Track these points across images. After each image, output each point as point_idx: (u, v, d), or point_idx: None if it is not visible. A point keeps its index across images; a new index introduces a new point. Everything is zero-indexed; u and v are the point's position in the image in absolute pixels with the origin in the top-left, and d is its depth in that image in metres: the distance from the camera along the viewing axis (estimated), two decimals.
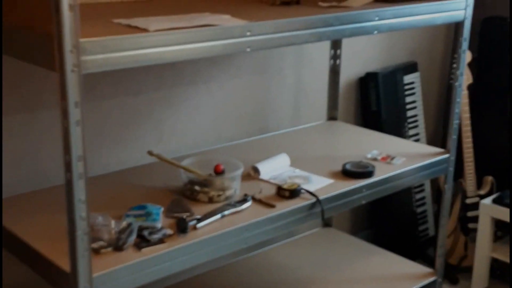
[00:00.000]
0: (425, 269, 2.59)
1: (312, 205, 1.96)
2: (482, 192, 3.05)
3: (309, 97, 2.83)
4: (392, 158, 2.30)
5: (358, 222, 3.26)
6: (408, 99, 3.19)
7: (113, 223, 1.65)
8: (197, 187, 1.92)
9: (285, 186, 1.98)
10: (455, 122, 2.36)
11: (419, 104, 3.25)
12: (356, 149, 2.40)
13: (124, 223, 1.66)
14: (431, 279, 2.51)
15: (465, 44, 2.28)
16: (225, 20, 1.67)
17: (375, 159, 2.30)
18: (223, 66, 2.51)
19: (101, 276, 1.51)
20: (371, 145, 2.46)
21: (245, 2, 2.08)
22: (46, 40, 1.35)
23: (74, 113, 1.37)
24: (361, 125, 3.06)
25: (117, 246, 1.61)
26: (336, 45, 2.68)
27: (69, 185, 1.42)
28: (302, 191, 1.98)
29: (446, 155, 2.38)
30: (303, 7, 2.01)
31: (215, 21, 1.63)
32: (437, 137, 3.52)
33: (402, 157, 2.32)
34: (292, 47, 2.70)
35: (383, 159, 2.30)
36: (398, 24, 2.01)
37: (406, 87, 3.18)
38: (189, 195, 1.94)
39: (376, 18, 1.94)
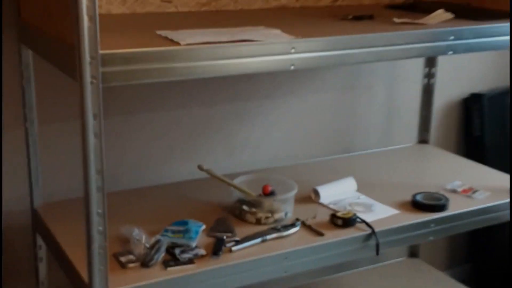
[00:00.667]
0: None
1: (367, 237, 1.80)
2: None
3: (402, 117, 2.65)
4: (475, 192, 2.07)
5: (456, 255, 3.00)
6: None
7: (144, 238, 1.63)
8: (245, 207, 1.85)
9: (339, 214, 1.85)
10: None
11: None
12: (438, 178, 2.19)
13: (153, 239, 1.62)
14: None
15: None
16: (271, 36, 1.58)
17: (454, 191, 2.08)
18: (305, 80, 2.41)
19: None
20: (458, 174, 2.24)
21: (317, 17, 1.97)
22: (70, 50, 1.35)
23: (92, 125, 1.36)
24: (462, 152, 2.82)
25: (144, 262, 1.58)
26: (430, 63, 2.48)
27: (87, 198, 1.41)
28: (358, 220, 1.84)
29: None
30: (375, 22, 1.87)
31: (258, 36, 1.55)
32: None
33: (487, 191, 2.08)
34: (384, 63, 2.54)
35: (464, 191, 2.08)
36: (478, 45, 1.80)
37: None
38: (237, 214, 1.87)
39: (452, 38, 1.75)
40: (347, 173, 2.14)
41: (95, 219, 1.42)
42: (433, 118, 2.62)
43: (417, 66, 2.56)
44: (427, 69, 2.50)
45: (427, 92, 2.52)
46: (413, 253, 2.72)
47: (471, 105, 2.76)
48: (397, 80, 2.60)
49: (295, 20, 1.90)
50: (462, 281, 2.65)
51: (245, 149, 2.36)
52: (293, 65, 1.56)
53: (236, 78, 2.26)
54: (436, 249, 2.92)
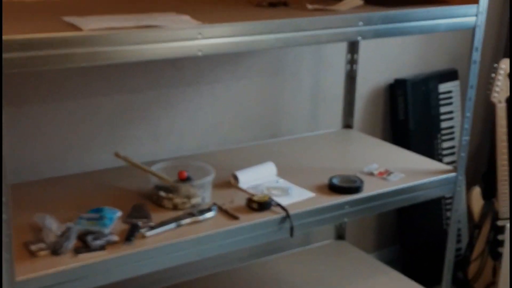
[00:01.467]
0: None
1: (281, 220, 1.84)
2: None
3: (327, 103, 2.69)
4: (390, 174, 2.13)
5: (383, 238, 3.08)
6: (443, 109, 2.96)
7: (55, 225, 1.62)
8: (162, 193, 1.86)
9: (255, 198, 1.87)
10: (464, 139, 2.15)
11: (457, 115, 3.01)
12: (357, 162, 2.24)
13: (63, 227, 1.62)
14: None
15: (476, 55, 2.07)
16: (178, 21, 1.59)
17: (371, 174, 2.14)
18: (230, 66, 2.43)
19: (26, 280, 1.48)
20: (377, 158, 2.30)
21: (232, 3, 1.99)
22: None
23: None
24: (388, 136, 2.89)
25: (54, 250, 1.58)
26: (352, 49, 2.52)
27: None
28: (274, 203, 1.87)
29: (453, 174, 2.17)
30: (289, 9, 1.89)
31: (164, 22, 1.55)
32: (482, 152, 3.26)
33: (403, 173, 2.15)
34: (309, 50, 2.57)
35: (380, 174, 2.13)
36: (388, 31, 1.84)
37: (442, 96, 2.95)
38: (155, 200, 1.88)
39: (361, 24, 1.79)
40: (269, 159, 2.17)
41: None
42: (358, 103, 2.67)
43: (342, 52, 2.61)
44: (349, 56, 2.54)
45: (350, 78, 2.57)
46: (339, 235, 2.77)
47: (396, 91, 2.83)
48: (322, 66, 2.64)
49: (209, 6, 1.90)
50: (389, 262, 2.73)
51: (170, 137, 2.36)
52: (200, 51, 1.57)
53: (158, 65, 2.26)
54: (363, 231, 2.99)
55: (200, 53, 1.57)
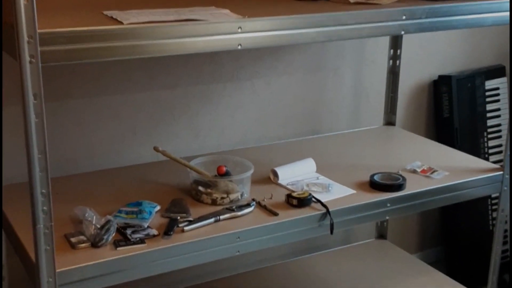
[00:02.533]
0: None
1: (321, 217, 1.81)
2: None
3: (369, 99, 2.65)
4: (433, 172, 2.08)
5: (426, 238, 3.02)
6: (489, 107, 2.88)
7: (95, 218, 1.63)
8: (201, 188, 1.86)
9: (294, 194, 1.85)
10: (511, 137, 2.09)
11: (504, 112, 2.93)
12: (399, 159, 2.20)
13: (103, 220, 1.63)
14: None
15: None
16: (218, 15, 1.58)
17: (414, 171, 2.09)
18: (270, 62, 2.41)
19: (66, 271, 1.50)
20: (420, 155, 2.24)
21: None
22: (10, 30, 1.35)
23: (33, 105, 1.36)
24: (432, 134, 2.83)
25: (94, 242, 1.59)
26: (395, 44, 2.48)
27: (30, 179, 1.41)
28: (314, 200, 1.85)
29: (499, 173, 2.11)
30: (330, 3, 1.86)
31: (204, 16, 1.55)
32: None
33: (447, 171, 2.09)
34: (351, 45, 2.54)
35: (423, 172, 2.08)
36: (431, 24, 1.80)
37: (488, 93, 2.88)
38: (194, 195, 1.88)
39: (404, 17, 1.75)
40: (309, 155, 2.15)
41: (39, 199, 1.42)
42: (400, 100, 2.62)
43: (384, 47, 2.56)
44: (392, 51, 2.50)
45: (393, 74, 2.52)
46: (381, 235, 2.73)
47: (440, 87, 2.76)
48: (364, 62, 2.60)
49: (250, 0, 1.89)
50: (433, 263, 2.67)
51: (210, 132, 2.36)
52: (240, 44, 1.56)
53: (198, 60, 2.26)
54: (405, 231, 2.93)
55: (239, 47, 1.56)
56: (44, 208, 1.43)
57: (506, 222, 2.96)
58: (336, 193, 1.93)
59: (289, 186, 1.96)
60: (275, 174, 2.01)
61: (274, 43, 1.61)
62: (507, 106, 2.92)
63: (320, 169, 2.08)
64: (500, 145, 2.92)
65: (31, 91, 1.35)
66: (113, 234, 1.62)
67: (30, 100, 1.36)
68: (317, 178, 2.03)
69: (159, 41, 1.46)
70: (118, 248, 1.59)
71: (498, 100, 2.91)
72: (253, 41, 1.57)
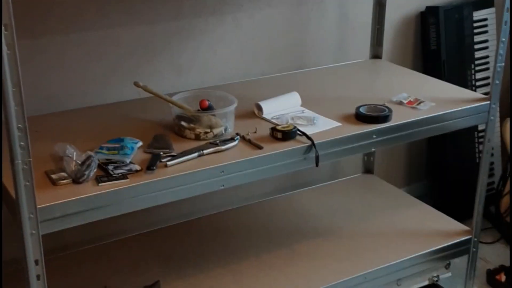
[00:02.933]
0: (462, 227, 2.34)
1: (307, 149, 1.79)
2: None
3: (355, 32, 2.60)
4: (420, 103, 2.05)
5: (412, 172, 3.02)
6: (478, 38, 2.84)
7: (75, 154, 1.60)
8: (184, 123, 1.82)
9: (279, 127, 1.83)
10: (498, 65, 2.05)
11: (492, 44, 2.88)
12: (386, 92, 2.16)
13: (84, 156, 1.60)
14: (465, 238, 2.27)
15: None
16: None
17: (400, 103, 2.06)
18: None
19: (47, 207, 1.48)
20: (407, 87, 2.21)
21: None
22: None
23: (4, 36, 1.30)
24: (419, 66, 2.79)
25: (75, 178, 1.56)
26: None
27: (6, 113, 1.37)
28: (298, 133, 1.82)
29: (486, 103, 2.09)
30: None
31: None
32: None
33: (433, 102, 2.07)
34: None
35: (410, 103, 2.06)
36: None
37: (476, 24, 2.82)
38: (176, 131, 1.85)
39: None
40: (294, 89, 2.11)
41: (16, 134, 1.39)
42: (387, 32, 2.57)
43: None
44: None
45: (379, 6, 2.46)
46: (368, 170, 2.72)
47: (427, 19, 2.71)
48: None
49: None
50: (420, 197, 2.67)
51: (192, 69, 2.31)
52: None
53: None
54: (392, 166, 2.93)
55: None
56: (22, 143, 1.40)
57: (492, 155, 2.98)
58: (321, 126, 1.90)
59: (273, 120, 1.93)
60: (259, 108, 1.98)
61: None
62: (495, 37, 2.87)
63: (305, 103, 2.05)
64: (487, 77, 2.89)
65: (2, 22, 1.29)
66: (95, 170, 1.59)
67: (2, 31, 1.30)
68: (302, 112, 2.00)
69: None
70: (100, 184, 1.56)
71: (486, 32, 2.86)
72: None
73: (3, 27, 1.30)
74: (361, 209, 2.47)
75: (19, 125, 1.38)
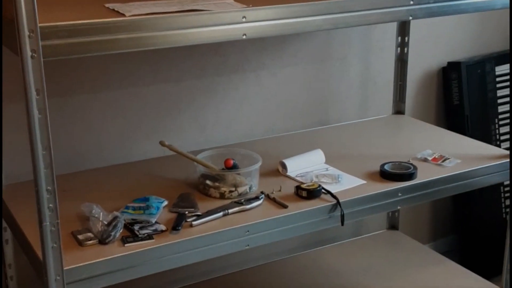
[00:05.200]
0: (491, 286, 2.29)
1: (332, 208, 1.78)
2: None
3: (378, 88, 2.61)
4: (445, 160, 2.04)
5: (438, 228, 2.98)
6: (501, 93, 2.84)
7: (102, 215, 1.61)
8: (208, 182, 1.83)
9: (304, 185, 1.82)
10: None
11: None
12: (410, 148, 2.16)
13: (110, 216, 1.60)
14: None
15: None
16: (222, 5, 1.54)
17: (425, 160, 2.05)
18: (275, 52, 2.37)
19: (74, 269, 1.48)
20: (431, 144, 2.21)
21: None
22: (11, 24, 1.33)
23: (35, 101, 1.33)
24: (442, 122, 2.79)
25: (101, 239, 1.57)
26: (403, 31, 2.44)
27: (35, 176, 1.39)
28: (323, 191, 1.82)
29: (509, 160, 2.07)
30: None
31: (208, 6, 1.52)
32: None
33: (459, 159, 2.05)
34: (357, 33, 2.50)
35: (434, 160, 2.05)
36: (440, 9, 1.76)
37: (499, 79, 2.83)
38: (201, 190, 1.85)
39: (411, 2, 1.71)
40: (317, 146, 2.11)
41: (45, 196, 1.40)
42: (409, 88, 2.59)
43: (392, 35, 2.52)
44: (399, 38, 2.46)
45: (401, 62, 2.48)
46: (392, 225, 2.69)
47: (449, 74, 2.72)
48: (372, 50, 2.56)
49: None
50: (446, 253, 2.64)
51: (217, 126, 2.33)
52: (245, 34, 1.53)
53: (203, 52, 2.23)
54: (417, 221, 2.89)
55: (244, 37, 1.53)
56: (50, 205, 1.41)
57: None
58: (346, 184, 1.90)
59: (298, 178, 1.93)
60: (284, 166, 1.98)
61: (279, 32, 1.58)
62: None
63: (329, 160, 2.05)
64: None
65: (34, 87, 1.33)
66: (121, 230, 1.59)
67: (33, 96, 1.33)
68: (326, 169, 2.00)
69: (162, 32, 1.43)
70: (126, 245, 1.56)
71: (509, 86, 2.86)
72: (257, 30, 1.54)
73: (34, 92, 1.33)
74: (386, 266, 2.44)
75: (48, 187, 1.40)
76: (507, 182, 2.76)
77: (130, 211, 1.69)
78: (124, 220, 1.63)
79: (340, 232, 2.65)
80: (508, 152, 2.16)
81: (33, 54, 1.31)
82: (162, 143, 1.87)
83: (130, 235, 1.61)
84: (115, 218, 1.60)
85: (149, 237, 1.60)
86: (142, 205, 1.72)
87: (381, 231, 2.70)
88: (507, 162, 2.08)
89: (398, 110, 2.53)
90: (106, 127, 2.14)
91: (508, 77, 2.85)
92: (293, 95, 2.46)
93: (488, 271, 2.55)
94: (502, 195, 2.87)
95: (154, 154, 2.14)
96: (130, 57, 2.10)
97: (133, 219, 1.65)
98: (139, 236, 1.59)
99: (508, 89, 2.85)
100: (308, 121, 2.50)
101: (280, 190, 1.85)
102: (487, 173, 2.03)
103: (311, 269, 2.42)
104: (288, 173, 1.96)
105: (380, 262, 2.47)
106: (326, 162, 2.04)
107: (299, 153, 2.06)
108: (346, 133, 2.37)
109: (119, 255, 1.53)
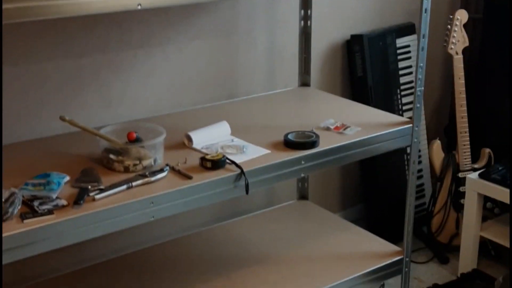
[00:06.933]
0: (394, 248, 2.40)
1: (236, 178, 1.81)
2: (477, 165, 2.80)
3: (283, 61, 2.65)
4: (346, 128, 2.11)
5: (347, 197, 3.08)
6: (402, 64, 2.94)
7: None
8: (112, 156, 1.81)
9: (208, 157, 1.84)
10: (418, 89, 2.14)
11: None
12: (313, 118, 2.21)
13: (7, 193, 1.57)
14: (397, 258, 2.32)
15: (426, 3, 2.05)
16: None
17: (327, 129, 2.11)
18: (181, 27, 2.36)
19: None
20: (334, 114, 2.27)
21: None
22: None
23: None
24: (347, 93, 2.86)
25: None
26: (305, 5, 2.48)
27: None
28: (228, 161, 1.84)
29: (409, 126, 2.16)
30: None
31: None
32: (443, 105, 3.26)
33: (359, 127, 2.12)
34: (262, 8, 2.52)
35: (336, 128, 2.11)
36: None
37: (400, 50, 2.93)
38: (105, 164, 1.83)
39: None
40: (224, 119, 2.13)
41: None
42: (314, 60, 2.64)
43: (295, 9, 2.56)
44: (303, 12, 2.50)
45: (305, 35, 2.53)
46: (302, 196, 2.76)
47: (353, 47, 2.80)
48: (276, 24, 2.60)
49: None
50: (355, 221, 2.72)
51: (122, 102, 2.31)
52: (139, 4, 1.52)
53: (106, 27, 2.19)
54: (326, 191, 2.97)
55: (139, 7, 1.52)
56: None
57: (422, 176, 3.07)
58: (251, 154, 1.93)
59: (203, 150, 1.94)
60: (189, 139, 1.99)
61: (175, 2, 1.58)
62: None
63: (234, 132, 2.07)
64: (412, 102, 2.99)
65: None
66: (19, 207, 1.56)
67: None
68: (232, 141, 2.02)
69: (54, 2, 1.40)
70: (24, 221, 1.53)
71: (409, 58, 2.97)
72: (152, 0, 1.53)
73: None
74: (296, 235, 2.50)
75: None
76: (405, 147, 2.88)
77: (29, 187, 1.66)
78: (23, 196, 1.59)
79: (252, 204, 2.69)
80: (405, 119, 2.25)
81: None
82: (62, 118, 1.83)
83: (29, 211, 1.57)
84: (12, 194, 1.56)
85: (49, 212, 1.57)
86: (42, 181, 1.69)
87: (291, 202, 2.76)
88: (407, 127, 2.17)
89: (304, 82, 2.58)
90: (6, 104, 2.07)
91: (408, 49, 2.95)
92: (200, 70, 2.46)
93: (395, 236, 2.66)
94: (406, 163, 2.99)
95: (57, 131, 2.09)
96: (29, 30, 2.04)
97: (32, 196, 1.62)
98: (39, 212, 1.56)
99: (408, 61, 2.96)
100: (216, 95, 2.51)
101: (185, 162, 1.86)
102: (386, 139, 2.11)
103: (224, 241, 2.45)
104: (194, 146, 1.97)
105: (291, 231, 2.53)
106: (232, 134, 2.06)
107: (205, 126, 2.07)
108: (253, 106, 2.40)
109: (17, 231, 1.50)
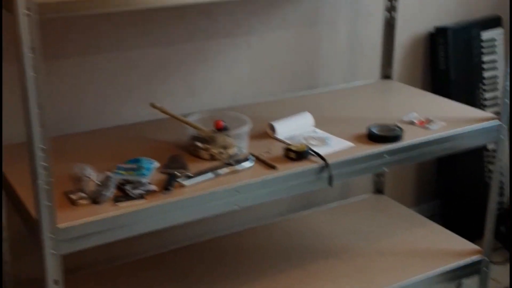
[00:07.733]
0: (473, 246, 2.35)
1: (320, 170, 1.82)
2: None
3: (365, 53, 2.63)
4: (430, 122, 2.07)
5: (423, 192, 3.04)
6: (486, 58, 2.87)
7: (94, 175, 1.63)
8: (199, 144, 1.85)
9: (292, 147, 1.85)
10: (507, 84, 2.08)
11: (501, 64, 2.92)
12: (396, 112, 2.19)
13: (102, 176, 1.63)
14: (476, 258, 2.28)
15: None
16: None
17: (411, 123, 2.09)
18: (265, 17, 2.38)
19: (68, 227, 1.50)
20: (417, 107, 2.24)
21: None
22: None
23: (30, 59, 1.34)
24: (428, 86, 2.82)
25: (94, 199, 1.59)
26: None
27: (29, 134, 1.41)
28: (312, 153, 1.85)
29: (496, 122, 2.11)
30: None
31: None
32: None
33: (444, 121, 2.09)
34: None
35: (420, 123, 2.08)
36: None
37: (484, 44, 2.86)
38: (191, 151, 1.87)
39: None
40: (306, 110, 2.14)
41: (39, 155, 1.42)
42: (397, 52, 2.61)
43: (379, 1, 2.53)
44: (388, 3, 2.47)
45: (389, 26, 2.50)
46: (378, 190, 2.74)
47: (436, 39, 2.74)
48: (360, 15, 2.58)
49: None
50: (430, 217, 2.69)
51: (206, 89, 2.35)
52: None
53: (193, 16, 2.24)
54: (402, 186, 2.94)
55: None
56: (44, 163, 1.43)
57: (502, 174, 2.99)
58: (334, 146, 1.93)
59: (286, 140, 1.96)
60: (272, 129, 2.01)
61: None
62: (503, 57, 2.90)
63: (317, 123, 2.08)
64: (496, 97, 2.92)
65: (29, 45, 1.33)
66: (113, 190, 1.62)
67: (27, 54, 1.34)
68: (315, 132, 2.03)
69: None
70: (118, 204, 1.59)
71: (494, 52, 2.89)
72: None
73: (30, 50, 1.34)
74: (372, 229, 2.49)
75: (42, 146, 1.42)
76: (490, 146, 2.81)
77: (121, 171, 1.72)
78: (116, 180, 1.65)
79: (327, 196, 2.70)
80: (492, 114, 2.20)
81: (28, 12, 1.31)
82: (153, 105, 1.88)
83: (122, 195, 1.63)
84: (108, 178, 1.62)
85: (141, 196, 1.62)
86: (133, 166, 1.74)
87: (367, 195, 2.74)
88: (491, 124, 2.12)
89: (386, 74, 2.56)
90: (95, 90, 2.15)
91: (493, 42, 2.87)
92: (281, 59, 2.47)
93: (471, 234, 2.61)
94: (485, 159, 2.92)
95: (144, 118, 2.16)
96: (117, 19, 2.10)
97: (124, 180, 1.68)
98: (131, 196, 1.62)
99: (493, 55, 2.88)
100: (296, 85, 2.52)
101: (269, 152, 1.88)
102: (472, 135, 2.08)
103: (299, 232, 2.47)
104: (277, 136, 1.99)
105: (366, 225, 2.52)
106: (315, 125, 2.07)
107: (287, 116, 2.08)
108: (334, 97, 2.39)
109: (111, 214, 1.56)
